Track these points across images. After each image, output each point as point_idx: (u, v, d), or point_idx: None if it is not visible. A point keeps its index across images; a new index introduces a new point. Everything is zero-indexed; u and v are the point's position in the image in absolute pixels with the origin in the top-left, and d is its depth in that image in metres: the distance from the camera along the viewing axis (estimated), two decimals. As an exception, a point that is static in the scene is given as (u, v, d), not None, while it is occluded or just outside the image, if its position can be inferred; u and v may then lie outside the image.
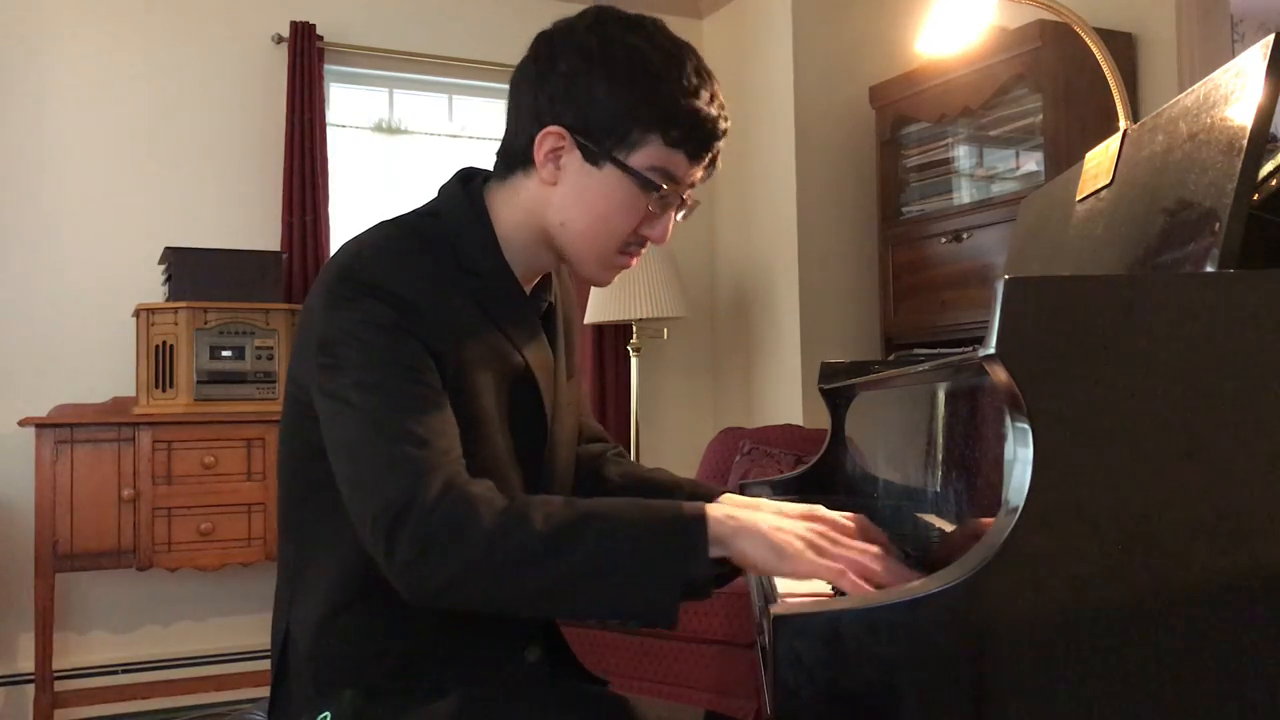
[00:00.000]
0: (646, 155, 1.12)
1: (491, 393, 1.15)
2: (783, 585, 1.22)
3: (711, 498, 1.29)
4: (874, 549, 1.02)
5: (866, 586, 0.96)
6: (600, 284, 1.24)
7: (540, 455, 1.23)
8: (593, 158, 1.13)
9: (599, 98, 1.10)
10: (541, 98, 1.13)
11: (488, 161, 1.26)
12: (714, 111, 1.14)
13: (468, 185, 1.22)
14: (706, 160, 1.17)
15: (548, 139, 1.13)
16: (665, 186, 1.13)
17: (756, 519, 1.01)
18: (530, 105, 1.15)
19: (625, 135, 1.11)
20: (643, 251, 1.21)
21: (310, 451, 1.12)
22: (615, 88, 1.10)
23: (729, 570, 1.05)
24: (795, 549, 0.99)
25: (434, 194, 1.24)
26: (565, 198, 1.15)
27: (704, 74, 1.14)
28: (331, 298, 1.10)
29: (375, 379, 1.05)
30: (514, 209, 1.19)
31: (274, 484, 3.25)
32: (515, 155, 1.18)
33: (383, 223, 1.20)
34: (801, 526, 1.02)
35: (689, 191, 1.18)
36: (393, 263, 1.11)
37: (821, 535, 1.02)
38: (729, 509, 1.02)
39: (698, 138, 1.13)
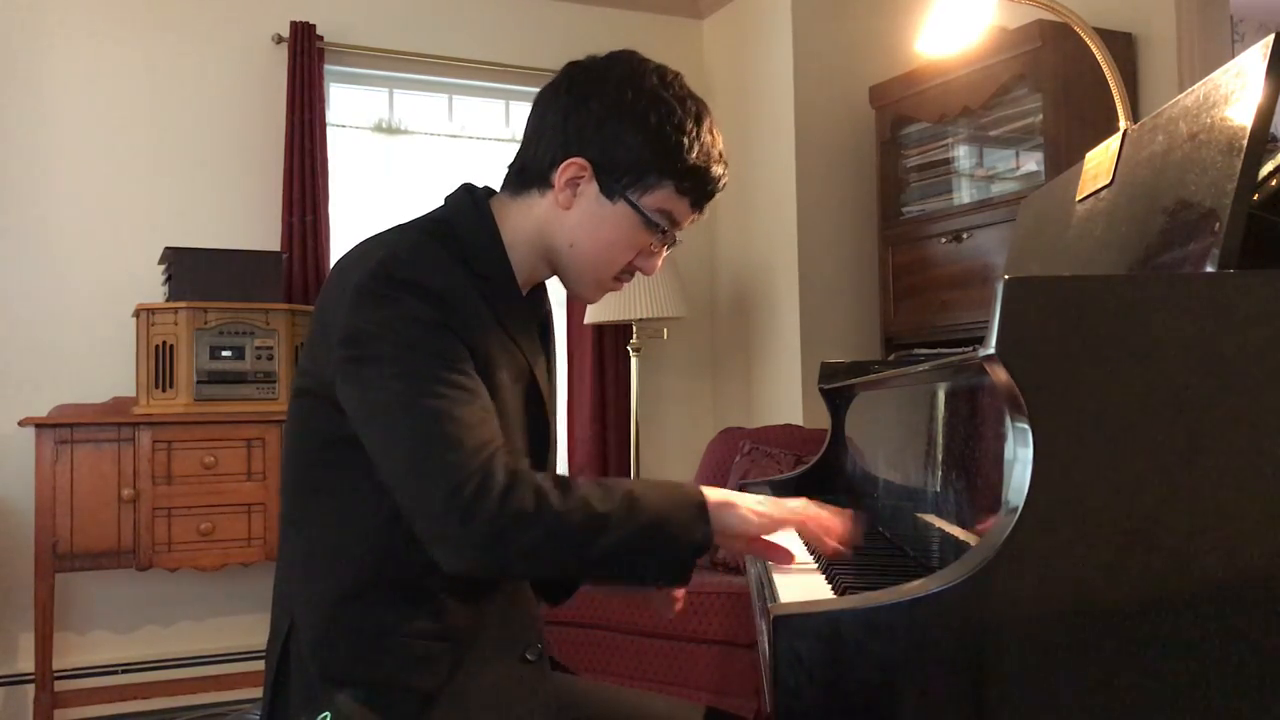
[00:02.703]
0: (657, 199, 1.24)
1: (509, 391, 1.22)
2: (782, 586, 1.22)
3: None
4: (814, 510, 1.21)
5: (827, 536, 1.19)
6: (589, 301, 1.34)
7: (545, 454, 1.30)
8: (609, 193, 1.23)
9: (627, 142, 1.21)
10: (570, 129, 1.23)
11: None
12: (721, 170, 1.27)
13: (473, 196, 1.29)
14: (703, 208, 1.30)
15: (571, 168, 1.23)
16: (667, 228, 1.26)
17: (731, 495, 1.18)
18: (558, 133, 1.24)
19: (642, 178, 1.23)
20: (630, 280, 1.33)
21: (323, 441, 1.17)
22: (643, 137, 1.21)
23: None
24: (763, 510, 1.17)
25: (430, 194, 1.28)
26: (577, 223, 1.25)
27: (716, 133, 1.27)
28: (364, 295, 1.14)
29: (421, 371, 1.10)
30: (524, 223, 1.27)
31: (274, 483, 3.26)
32: (533, 175, 1.26)
33: (401, 227, 1.26)
34: (754, 502, 1.19)
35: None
36: (428, 262, 1.17)
37: (772, 505, 1.20)
38: (719, 495, 1.17)
39: (704, 191, 1.27)
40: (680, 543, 1.12)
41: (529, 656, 1.26)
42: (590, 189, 1.24)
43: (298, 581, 1.22)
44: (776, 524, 1.18)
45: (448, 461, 1.06)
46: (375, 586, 1.17)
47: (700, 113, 1.25)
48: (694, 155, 1.23)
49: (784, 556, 1.20)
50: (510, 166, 1.31)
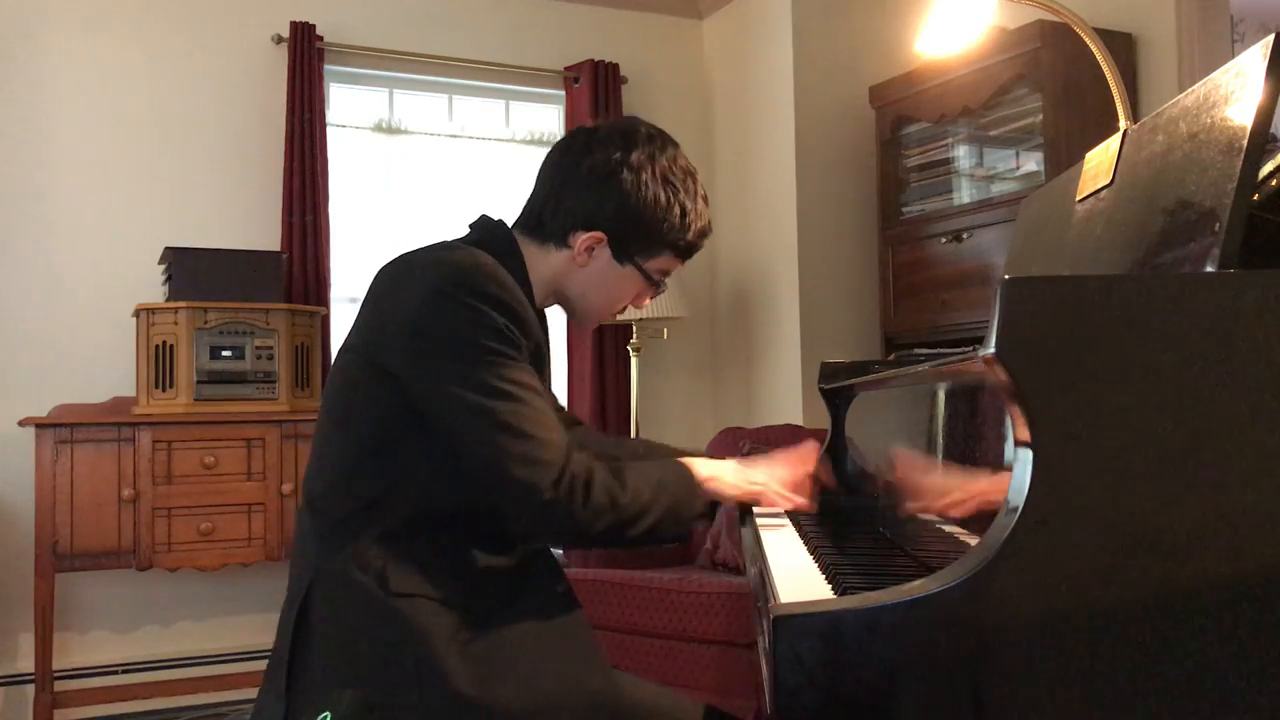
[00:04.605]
0: (660, 262, 1.49)
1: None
2: (782, 586, 1.22)
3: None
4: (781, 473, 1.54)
5: (782, 501, 1.51)
6: (586, 330, 1.57)
7: None
8: (620, 259, 1.46)
9: (642, 224, 1.44)
10: (592, 205, 1.43)
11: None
12: (708, 237, 1.53)
13: (501, 228, 1.47)
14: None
15: (590, 239, 1.44)
16: (663, 282, 1.52)
17: (714, 469, 1.46)
18: (579, 206, 1.43)
19: (649, 249, 1.47)
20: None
21: (388, 407, 1.31)
22: (654, 220, 1.44)
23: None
24: (735, 482, 1.47)
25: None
26: (590, 279, 1.47)
27: (705, 200, 1.51)
28: (442, 296, 1.29)
29: (499, 371, 1.27)
30: (541, 267, 1.46)
31: (274, 483, 3.27)
32: (552, 233, 1.45)
33: (455, 244, 1.41)
34: (731, 476, 1.48)
35: None
36: (496, 274, 1.32)
37: (738, 475, 1.49)
38: (701, 470, 1.44)
39: (693, 252, 1.53)
40: (689, 517, 1.40)
41: (558, 589, 1.43)
42: (604, 253, 1.45)
43: (352, 526, 1.31)
44: (746, 495, 1.48)
45: (536, 459, 1.25)
46: (422, 529, 1.32)
47: (697, 188, 1.49)
48: (692, 232, 1.48)
49: (767, 501, 1.51)
50: (528, 210, 1.48)
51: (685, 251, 1.50)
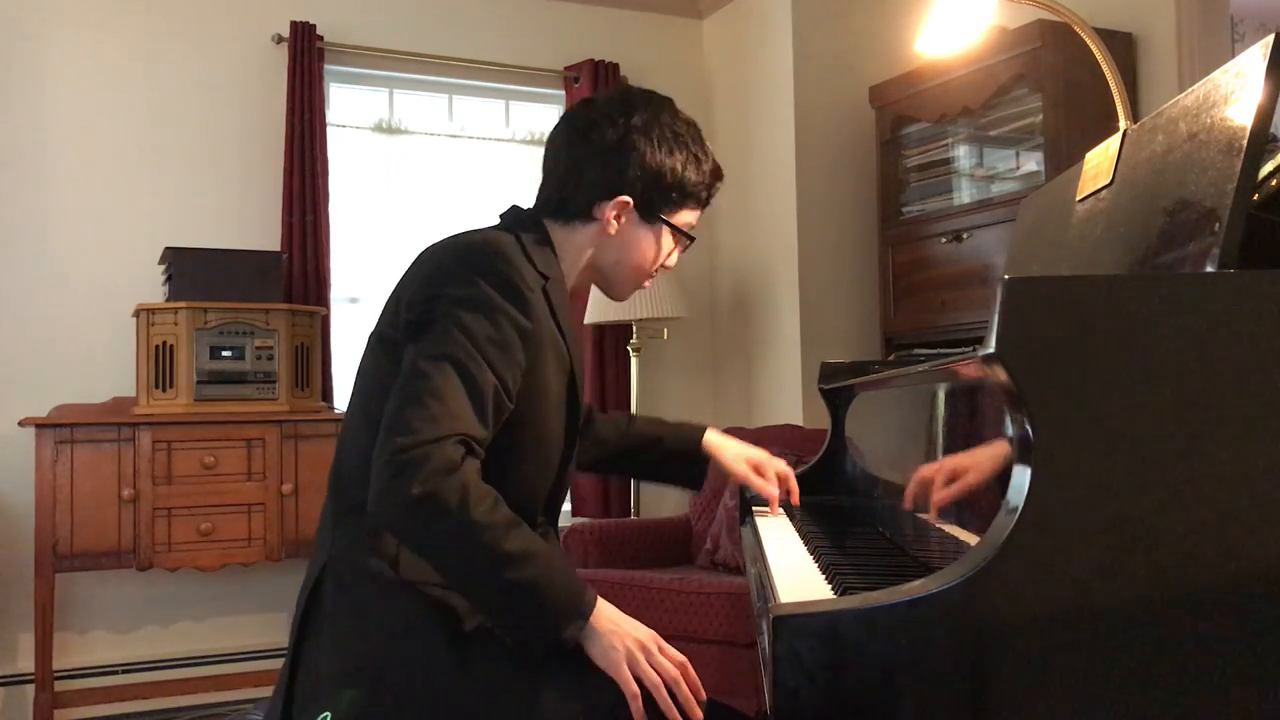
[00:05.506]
0: (684, 216, 1.53)
1: (553, 378, 1.41)
2: (782, 586, 1.22)
3: (698, 437, 1.76)
4: (675, 673, 1.23)
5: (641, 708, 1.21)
6: (622, 300, 1.61)
7: (574, 434, 1.48)
8: (648, 218, 1.50)
9: (666, 178, 1.47)
10: (613, 172, 1.46)
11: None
12: (721, 177, 1.56)
13: (529, 213, 1.50)
14: None
15: (616, 205, 1.46)
16: (691, 235, 1.56)
17: (605, 623, 1.24)
18: (600, 177, 1.46)
19: (674, 202, 1.50)
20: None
21: None
22: (675, 175, 1.48)
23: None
24: (615, 657, 1.22)
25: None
26: (621, 245, 1.50)
27: (709, 145, 1.54)
28: (444, 272, 1.33)
29: (450, 348, 1.25)
30: (570, 246, 1.50)
31: (274, 483, 3.27)
32: (576, 209, 1.48)
33: (478, 230, 1.44)
34: (633, 641, 1.24)
35: None
36: (507, 254, 1.35)
37: (643, 649, 1.23)
38: (607, 613, 1.25)
39: (713, 196, 1.57)
40: (546, 626, 1.22)
41: None
42: (631, 216, 1.48)
43: (357, 515, 1.31)
44: (626, 675, 1.22)
45: (411, 425, 1.20)
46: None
47: (701, 135, 1.53)
48: (708, 177, 1.53)
49: (629, 696, 1.22)
50: (546, 195, 1.51)
51: (705, 199, 1.55)
